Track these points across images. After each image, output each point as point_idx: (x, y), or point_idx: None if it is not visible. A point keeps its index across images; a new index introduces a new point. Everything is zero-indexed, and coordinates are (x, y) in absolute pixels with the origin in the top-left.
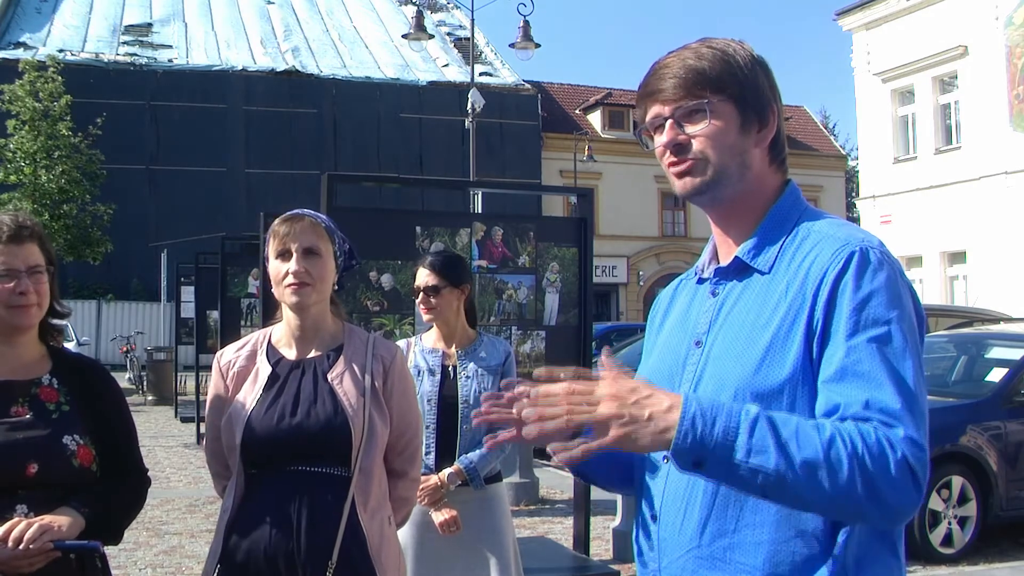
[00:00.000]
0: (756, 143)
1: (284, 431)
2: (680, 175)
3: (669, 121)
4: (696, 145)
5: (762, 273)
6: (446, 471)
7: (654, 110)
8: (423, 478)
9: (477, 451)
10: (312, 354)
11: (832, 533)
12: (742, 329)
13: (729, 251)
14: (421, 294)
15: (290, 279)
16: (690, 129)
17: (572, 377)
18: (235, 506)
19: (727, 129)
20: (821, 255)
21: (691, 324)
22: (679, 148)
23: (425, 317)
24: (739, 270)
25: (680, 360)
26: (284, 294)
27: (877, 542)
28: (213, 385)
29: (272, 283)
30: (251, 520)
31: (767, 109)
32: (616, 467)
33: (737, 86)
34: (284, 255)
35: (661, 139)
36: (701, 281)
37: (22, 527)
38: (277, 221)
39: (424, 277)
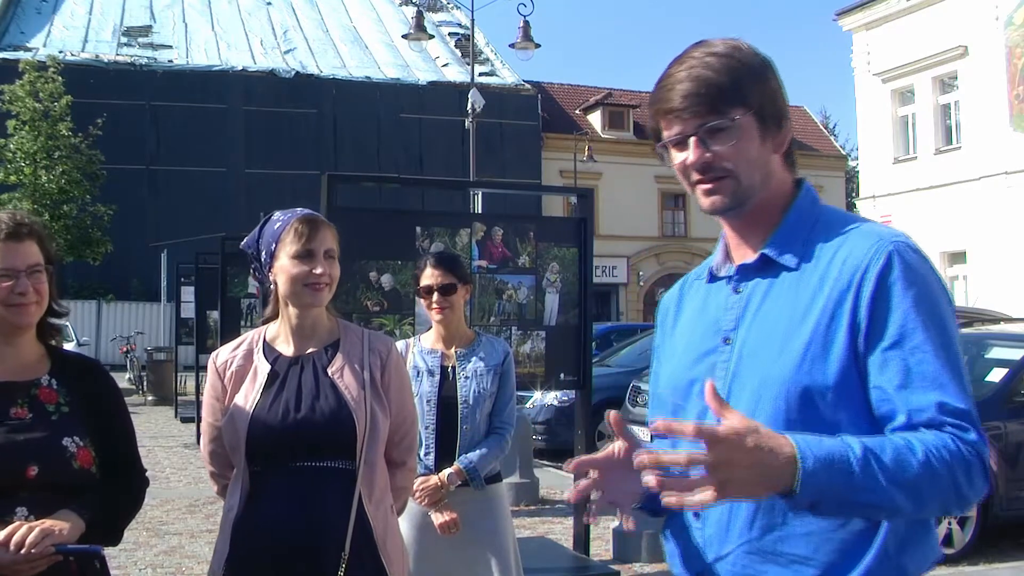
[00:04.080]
0: (774, 149)
1: (289, 426)
2: (709, 193)
3: (693, 139)
4: (722, 162)
5: (790, 269)
6: (446, 471)
7: (675, 128)
8: (423, 479)
9: (477, 451)
10: (310, 350)
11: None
12: (778, 324)
13: (745, 251)
14: (435, 294)
15: (314, 280)
16: (715, 146)
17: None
18: (241, 504)
19: (751, 143)
20: (855, 251)
21: (711, 322)
22: (705, 166)
23: (437, 317)
24: (764, 267)
25: (708, 359)
26: (303, 293)
27: (917, 523)
28: (210, 386)
29: (284, 281)
30: (259, 517)
31: (782, 113)
32: None
33: (755, 96)
34: (305, 256)
35: (684, 156)
36: (713, 280)
37: (23, 531)
38: (298, 220)
39: (436, 276)
